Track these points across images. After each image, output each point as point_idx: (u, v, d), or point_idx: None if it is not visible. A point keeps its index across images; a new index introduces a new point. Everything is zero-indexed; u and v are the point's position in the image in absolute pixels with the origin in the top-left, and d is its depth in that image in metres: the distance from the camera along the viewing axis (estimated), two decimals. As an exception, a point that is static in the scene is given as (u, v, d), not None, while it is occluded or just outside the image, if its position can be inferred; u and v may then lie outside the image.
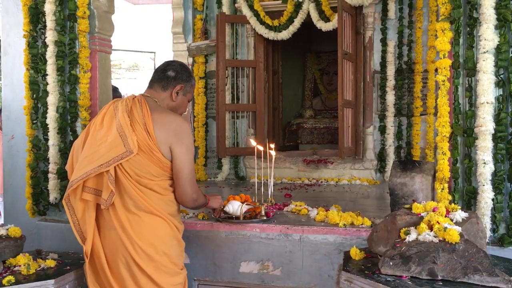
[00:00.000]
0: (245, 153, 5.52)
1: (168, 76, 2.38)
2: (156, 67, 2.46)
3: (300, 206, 3.30)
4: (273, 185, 3.35)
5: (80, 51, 3.22)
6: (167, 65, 2.42)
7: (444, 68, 2.64)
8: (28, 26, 3.22)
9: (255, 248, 2.89)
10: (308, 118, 7.20)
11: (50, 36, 3.15)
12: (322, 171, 5.27)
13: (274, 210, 3.23)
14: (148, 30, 9.95)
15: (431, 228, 1.98)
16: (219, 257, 2.95)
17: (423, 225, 1.98)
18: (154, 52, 11.00)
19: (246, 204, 2.87)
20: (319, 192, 4.44)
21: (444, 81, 2.64)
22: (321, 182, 5.09)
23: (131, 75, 12.26)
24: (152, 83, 2.41)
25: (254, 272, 2.90)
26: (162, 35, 8.75)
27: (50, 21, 3.15)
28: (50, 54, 3.16)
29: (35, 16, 3.22)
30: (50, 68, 3.17)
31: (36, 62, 3.22)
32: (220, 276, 2.96)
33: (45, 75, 3.21)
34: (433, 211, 2.10)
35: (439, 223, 1.97)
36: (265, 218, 2.94)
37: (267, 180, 3.31)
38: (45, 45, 3.20)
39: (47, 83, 3.20)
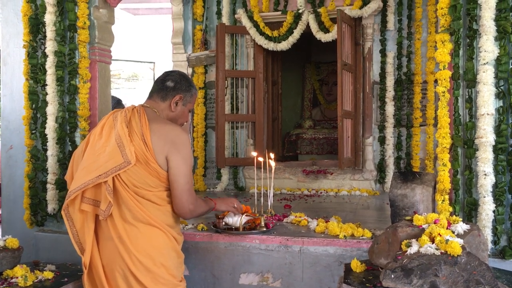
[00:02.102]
0: (245, 164, 5.51)
1: (167, 86, 2.36)
2: (156, 77, 2.41)
3: (300, 217, 3.28)
4: (273, 196, 3.33)
5: (80, 61, 3.21)
6: (166, 76, 2.41)
7: (444, 79, 2.64)
8: (28, 36, 3.22)
9: (255, 259, 2.87)
10: (308, 129, 7.20)
11: (50, 46, 3.15)
12: (322, 181, 5.25)
13: (274, 221, 3.21)
14: (147, 40, 9.98)
15: (432, 240, 1.96)
16: (218, 268, 2.93)
17: (424, 238, 1.96)
18: (154, 62, 11.01)
19: (245, 216, 2.86)
20: (319, 203, 4.42)
21: (444, 92, 2.64)
22: (321, 193, 5.07)
23: (131, 85, 12.26)
24: (151, 94, 2.39)
25: (254, 284, 2.87)
26: (162, 46, 8.77)
27: (50, 31, 3.15)
28: (50, 64, 3.16)
29: (35, 26, 3.23)
30: (50, 78, 3.17)
31: (35, 72, 3.22)
32: (219, 288, 2.94)
33: (44, 85, 3.20)
34: (435, 223, 2.08)
35: (440, 236, 1.95)
36: (264, 229, 2.92)
37: (266, 191, 3.29)
38: (45, 55, 3.20)
39: (46, 93, 3.19)
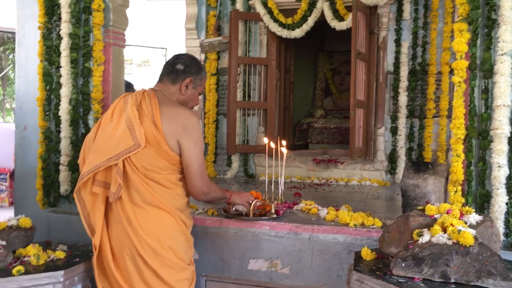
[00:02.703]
0: (255, 151, 5.51)
1: (177, 69, 2.36)
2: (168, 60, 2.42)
3: (310, 205, 3.28)
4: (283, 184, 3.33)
5: (94, 44, 3.22)
6: (176, 59, 2.41)
7: (461, 69, 2.60)
8: (43, 18, 3.22)
9: (264, 246, 2.88)
10: (319, 118, 7.17)
11: (65, 28, 3.15)
12: (332, 171, 5.24)
13: (284, 208, 3.21)
14: (160, 26, 9.96)
15: (444, 230, 1.96)
16: (227, 253, 2.94)
17: (436, 227, 1.96)
18: (166, 48, 11.00)
19: (257, 202, 2.86)
20: (329, 192, 4.42)
21: (460, 82, 2.60)
22: (331, 182, 5.06)
23: (142, 71, 12.27)
24: (161, 77, 2.40)
25: (263, 270, 2.89)
26: (174, 31, 8.75)
27: (65, 13, 3.15)
28: (65, 46, 3.16)
29: (51, 8, 3.23)
30: (64, 60, 3.18)
31: (50, 54, 3.23)
32: (228, 273, 2.95)
33: (58, 67, 3.21)
34: (447, 213, 2.07)
35: (453, 226, 1.94)
36: (275, 216, 2.92)
37: (276, 179, 3.29)
38: (59, 37, 3.20)
39: (60, 75, 3.20)
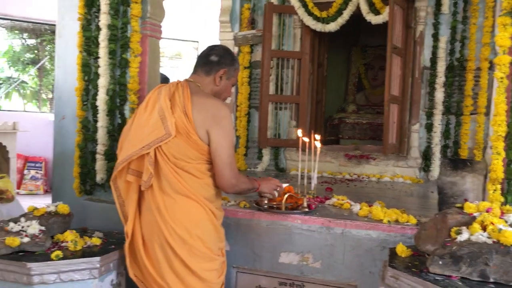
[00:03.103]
0: (286, 145, 5.50)
1: (211, 61, 2.38)
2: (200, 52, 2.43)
3: (342, 200, 3.26)
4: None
5: (131, 35, 3.26)
6: (210, 50, 2.42)
7: (503, 64, 2.53)
8: (83, 9, 3.28)
9: (296, 239, 2.88)
10: (351, 113, 7.10)
11: (104, 19, 3.21)
12: (364, 166, 5.18)
13: (316, 202, 3.20)
14: (192, 19, 10.01)
15: (484, 229, 1.91)
16: (259, 246, 2.95)
17: (476, 225, 1.91)
18: (198, 42, 11.06)
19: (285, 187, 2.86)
20: (361, 188, 4.37)
21: (502, 78, 2.53)
22: (363, 178, 5.00)
23: (174, 64, 12.38)
24: (195, 68, 2.42)
25: (294, 263, 2.88)
26: (207, 25, 8.78)
27: (104, 4, 3.20)
28: (103, 37, 3.22)
29: (90, 0, 3.28)
30: (102, 51, 3.23)
31: (89, 45, 3.29)
32: (259, 265, 2.96)
33: (97, 58, 3.27)
34: (487, 211, 2.02)
35: (493, 224, 1.89)
36: (307, 210, 2.91)
37: (308, 173, 3.27)
38: (98, 29, 3.26)
39: (98, 66, 3.26)
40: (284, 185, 2.70)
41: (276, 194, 2.67)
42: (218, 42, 5.79)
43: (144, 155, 2.23)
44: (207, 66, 2.38)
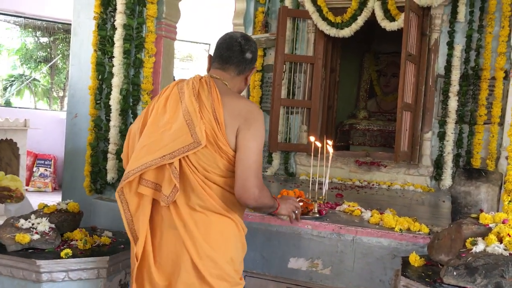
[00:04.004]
0: (297, 149, 5.48)
1: (246, 59, 2.03)
2: (226, 39, 2.05)
3: (353, 206, 3.23)
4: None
5: (146, 35, 3.27)
6: (245, 45, 2.03)
7: (522, 74, 2.49)
8: (98, 8, 3.29)
9: (306, 245, 2.85)
10: (362, 119, 7.06)
11: (119, 19, 3.21)
12: (375, 173, 5.15)
13: (327, 208, 3.17)
14: (204, 21, 10.04)
15: (500, 240, 1.88)
16: (268, 250, 2.93)
17: (492, 237, 1.88)
18: (209, 44, 11.08)
19: (300, 200, 2.83)
20: (371, 195, 4.34)
21: (520, 88, 2.49)
22: (373, 185, 4.97)
23: (184, 66, 12.42)
24: (224, 64, 2.03)
25: (303, 269, 2.85)
26: (219, 27, 8.78)
27: (120, 4, 3.21)
28: (118, 37, 3.23)
29: (106, -1, 3.30)
30: (117, 50, 3.24)
31: (104, 44, 3.30)
32: (268, 270, 2.94)
33: (111, 57, 3.28)
34: (503, 222, 1.99)
35: (510, 236, 1.86)
36: (317, 215, 2.89)
37: (319, 178, 3.25)
38: (113, 28, 3.26)
39: (113, 65, 3.27)
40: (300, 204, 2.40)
41: (294, 216, 2.29)
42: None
43: (163, 165, 1.89)
44: (242, 65, 2.03)
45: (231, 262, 1.93)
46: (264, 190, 1.94)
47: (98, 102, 3.36)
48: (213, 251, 1.88)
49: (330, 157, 3.03)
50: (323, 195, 3.19)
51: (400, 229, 2.71)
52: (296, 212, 2.28)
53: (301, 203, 2.91)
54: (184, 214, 1.90)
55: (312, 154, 3.14)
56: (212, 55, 2.10)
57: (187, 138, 1.86)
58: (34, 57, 10.55)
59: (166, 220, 1.94)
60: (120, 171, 3.25)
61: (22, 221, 2.44)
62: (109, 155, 3.29)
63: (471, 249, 1.87)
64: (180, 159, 1.88)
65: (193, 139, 1.86)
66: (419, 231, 2.72)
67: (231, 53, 2.02)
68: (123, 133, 3.27)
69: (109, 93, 3.31)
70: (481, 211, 2.30)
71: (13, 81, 10.40)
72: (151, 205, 1.96)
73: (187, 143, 1.86)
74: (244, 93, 5.67)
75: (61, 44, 10.35)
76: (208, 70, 2.09)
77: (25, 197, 3.77)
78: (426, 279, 1.91)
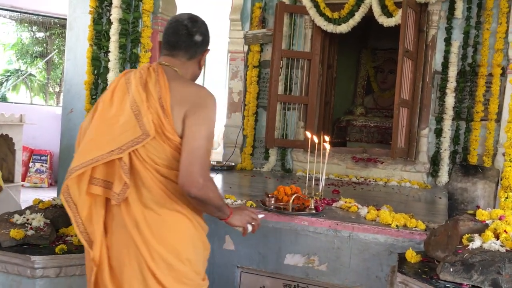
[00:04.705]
0: (294, 146, 5.47)
1: (195, 42, 1.89)
2: (172, 23, 1.90)
3: (350, 203, 3.22)
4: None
5: (142, 30, 3.25)
6: (193, 27, 1.88)
7: (519, 70, 2.48)
8: (94, 3, 3.27)
9: (302, 241, 2.85)
10: (359, 116, 7.05)
11: (115, 13, 3.19)
12: (371, 170, 5.14)
13: (323, 205, 3.17)
14: (201, 16, 9.99)
15: (497, 236, 1.88)
16: (264, 246, 2.92)
17: (488, 233, 1.88)
18: (207, 40, 11.03)
19: (296, 196, 2.82)
20: (368, 191, 4.34)
21: (518, 84, 2.48)
22: (369, 181, 4.96)
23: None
24: (172, 49, 1.90)
25: (299, 265, 2.85)
26: (215, 23, 8.74)
27: (116, -2, 3.19)
28: (114, 31, 3.20)
29: (102, -7, 3.27)
30: (113, 45, 3.22)
31: (99, 38, 3.28)
32: (264, 266, 2.94)
33: (107, 52, 3.26)
34: (500, 219, 1.98)
35: (506, 233, 1.86)
36: (314, 212, 2.88)
37: (315, 175, 3.24)
38: (109, 22, 3.24)
39: (108, 60, 3.25)
40: (260, 216, 2.05)
41: (250, 228, 1.98)
42: (227, 41, 5.77)
43: (113, 161, 1.75)
44: (192, 49, 1.90)
45: (188, 263, 1.80)
46: (210, 181, 1.76)
47: (93, 97, 3.34)
48: (167, 253, 1.76)
49: (327, 154, 3.02)
50: (320, 191, 3.18)
51: (397, 226, 2.71)
52: (253, 224, 1.98)
53: (298, 199, 2.92)
54: (135, 212, 1.77)
55: (309, 150, 3.13)
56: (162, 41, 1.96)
57: (135, 131, 1.74)
58: (30, 52, 10.48)
59: (117, 219, 1.81)
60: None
61: (16, 216, 2.43)
62: (104, 151, 3.27)
63: (468, 246, 1.87)
64: (130, 153, 1.75)
65: (142, 131, 1.74)
66: (415, 227, 2.72)
67: (178, 38, 1.89)
68: (119, 128, 3.25)
69: (104, 88, 3.28)
70: (478, 207, 2.29)
71: (9, 76, 10.34)
72: (104, 205, 1.83)
73: (136, 136, 1.74)
74: (241, 88, 5.65)
75: (57, 39, 10.29)
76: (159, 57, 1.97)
77: (5, 189, 3.72)
78: (423, 276, 1.90)
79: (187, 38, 1.88)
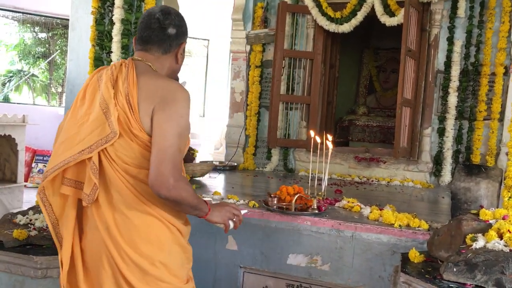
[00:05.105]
0: (296, 145, 5.46)
1: (169, 35, 1.81)
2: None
3: (353, 202, 3.22)
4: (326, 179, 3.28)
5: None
6: (165, 19, 1.80)
7: (523, 69, 2.47)
8: (96, 3, 3.28)
9: (305, 241, 2.85)
10: (361, 115, 7.05)
11: (117, 14, 3.20)
12: (374, 169, 5.13)
13: (326, 204, 3.17)
14: (203, 17, 10.01)
15: (500, 236, 1.87)
16: (267, 246, 2.92)
17: (492, 233, 1.87)
18: (208, 40, 11.06)
19: (299, 196, 2.81)
20: (370, 191, 4.33)
21: (521, 83, 2.48)
22: (372, 181, 4.96)
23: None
24: (145, 44, 1.82)
25: (302, 265, 2.85)
26: (217, 23, 8.76)
27: (118, -1, 3.20)
28: (116, 31, 3.21)
29: (104, -6, 3.28)
30: (115, 45, 3.23)
31: (102, 39, 3.29)
32: (266, 266, 2.93)
33: (109, 52, 3.27)
34: (503, 219, 1.98)
35: (510, 232, 1.85)
36: (317, 211, 2.88)
37: (318, 174, 3.24)
38: (111, 23, 3.25)
39: (111, 60, 3.26)
40: (243, 212, 1.98)
41: (231, 224, 1.89)
42: (229, 41, 5.77)
43: (84, 161, 1.70)
44: (166, 43, 1.82)
45: (162, 267, 1.72)
46: (182, 181, 1.65)
47: (96, 97, 3.33)
48: (139, 257, 1.69)
49: (330, 153, 3.02)
50: (322, 191, 3.18)
51: (400, 225, 2.70)
52: (235, 219, 1.90)
53: (300, 199, 2.92)
54: (106, 215, 1.71)
55: (312, 150, 3.13)
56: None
57: (104, 129, 1.68)
58: (32, 53, 10.51)
59: (90, 221, 1.75)
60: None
61: (19, 217, 2.44)
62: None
63: (471, 245, 1.87)
64: (99, 153, 1.70)
65: (110, 129, 1.68)
66: (418, 227, 2.71)
67: (150, 32, 1.81)
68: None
69: (107, 89, 3.29)
70: (481, 207, 2.29)
71: (11, 76, 10.37)
72: (76, 206, 1.77)
73: (105, 135, 1.68)
74: (243, 88, 5.65)
75: (60, 40, 10.32)
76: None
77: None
78: (426, 276, 1.90)
79: (160, 31, 1.80)
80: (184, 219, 1.83)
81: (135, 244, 1.69)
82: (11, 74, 10.41)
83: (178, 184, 1.61)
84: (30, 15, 9.42)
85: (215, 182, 4.25)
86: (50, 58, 10.35)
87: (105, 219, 1.70)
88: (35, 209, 2.57)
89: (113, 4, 3.24)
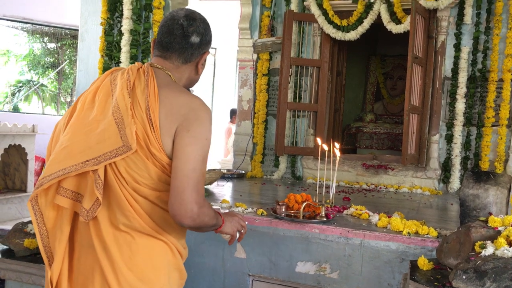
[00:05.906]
0: (304, 153, 5.47)
1: (192, 43, 1.68)
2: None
3: (361, 210, 3.22)
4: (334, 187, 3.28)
5: (153, 40, 3.28)
6: (189, 26, 1.67)
7: (530, 76, 2.47)
8: (105, 14, 3.32)
9: (313, 249, 2.85)
10: (369, 122, 7.05)
11: (126, 24, 3.25)
12: (382, 177, 5.13)
13: (334, 212, 3.17)
14: (210, 26, 10.07)
15: (510, 243, 1.87)
16: (275, 254, 2.93)
17: (501, 240, 1.87)
18: (216, 48, 11.12)
19: (307, 203, 2.82)
20: (378, 198, 4.32)
21: (529, 89, 2.47)
22: (380, 188, 4.95)
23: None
24: (165, 51, 1.69)
25: (311, 273, 2.85)
26: (224, 31, 8.81)
27: (127, 10, 3.24)
28: (125, 42, 3.26)
29: (113, 5, 3.33)
30: (124, 56, 3.27)
31: (110, 49, 3.33)
32: (275, 274, 2.94)
33: (118, 62, 3.30)
34: (512, 226, 1.97)
35: (519, 239, 1.85)
36: (325, 219, 2.88)
37: (325, 182, 3.24)
38: (120, 33, 3.30)
39: (119, 70, 3.29)
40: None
41: (237, 235, 1.85)
42: (236, 49, 5.81)
43: (87, 172, 1.53)
44: (187, 52, 1.68)
45: None
46: (205, 207, 1.56)
47: (105, 107, 3.37)
48: (138, 281, 1.56)
49: (337, 161, 3.03)
50: (330, 198, 3.18)
51: (408, 233, 2.70)
52: (242, 231, 1.86)
53: (308, 207, 2.92)
54: (105, 233, 1.55)
55: (319, 157, 3.13)
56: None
57: (116, 141, 1.52)
58: (41, 63, 10.63)
59: (85, 238, 1.59)
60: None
61: (30, 226, 2.46)
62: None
63: (480, 253, 1.86)
64: (106, 166, 1.53)
65: (123, 143, 1.52)
66: (427, 234, 2.71)
67: (172, 38, 1.67)
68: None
69: (116, 98, 3.32)
70: (490, 214, 2.28)
71: (21, 86, 10.49)
72: (71, 220, 1.60)
73: (116, 147, 1.52)
74: (250, 96, 5.68)
75: (69, 50, 10.43)
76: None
77: None
78: (435, 283, 1.90)
79: (182, 39, 1.67)
80: (184, 243, 1.75)
81: (137, 266, 1.56)
82: (20, 84, 10.53)
83: (202, 211, 1.53)
84: (39, 26, 9.55)
85: (223, 190, 4.27)
86: (59, 68, 10.46)
87: (103, 238, 1.55)
88: (46, 218, 2.59)
89: (121, 15, 3.29)
